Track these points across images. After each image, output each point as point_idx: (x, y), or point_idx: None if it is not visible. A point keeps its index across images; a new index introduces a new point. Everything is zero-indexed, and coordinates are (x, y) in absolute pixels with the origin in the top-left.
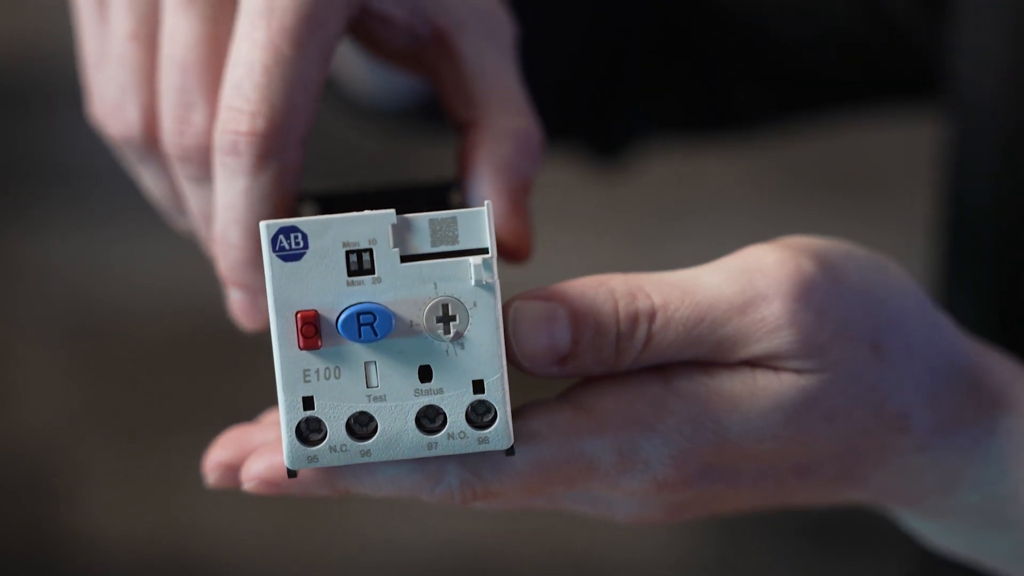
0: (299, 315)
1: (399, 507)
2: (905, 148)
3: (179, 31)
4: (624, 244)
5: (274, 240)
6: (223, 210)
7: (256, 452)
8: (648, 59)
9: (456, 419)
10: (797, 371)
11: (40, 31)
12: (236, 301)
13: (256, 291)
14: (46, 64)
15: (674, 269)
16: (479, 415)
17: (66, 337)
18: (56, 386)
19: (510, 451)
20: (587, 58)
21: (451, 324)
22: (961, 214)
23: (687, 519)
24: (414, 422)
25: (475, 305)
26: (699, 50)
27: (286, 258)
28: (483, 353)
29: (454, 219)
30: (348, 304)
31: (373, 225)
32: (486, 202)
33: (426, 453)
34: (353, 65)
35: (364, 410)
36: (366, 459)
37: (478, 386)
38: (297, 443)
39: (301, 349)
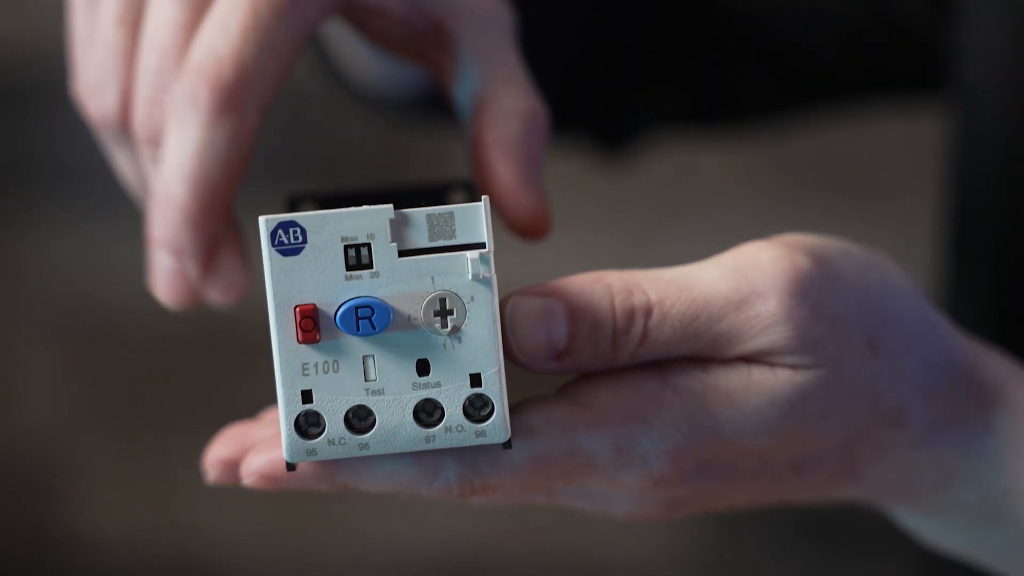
0: (298, 309)
1: (399, 507)
2: (905, 148)
3: (162, 15)
4: (623, 243)
5: (273, 234)
6: (171, 165)
7: (255, 448)
8: (651, 54)
9: (454, 413)
10: (793, 367)
11: (40, 31)
12: (162, 270)
13: (188, 259)
14: (46, 64)
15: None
16: (476, 409)
17: (66, 337)
18: (56, 386)
19: (507, 445)
20: (590, 52)
21: (448, 318)
22: (963, 213)
23: (685, 515)
24: (412, 416)
25: (472, 299)
26: (703, 44)
27: (285, 252)
28: (480, 347)
29: (451, 214)
30: (346, 298)
31: (371, 220)
32: (483, 197)
33: (424, 446)
34: (360, 56)
35: (362, 403)
36: (364, 452)
37: (475, 380)
38: (296, 436)
39: (300, 343)
